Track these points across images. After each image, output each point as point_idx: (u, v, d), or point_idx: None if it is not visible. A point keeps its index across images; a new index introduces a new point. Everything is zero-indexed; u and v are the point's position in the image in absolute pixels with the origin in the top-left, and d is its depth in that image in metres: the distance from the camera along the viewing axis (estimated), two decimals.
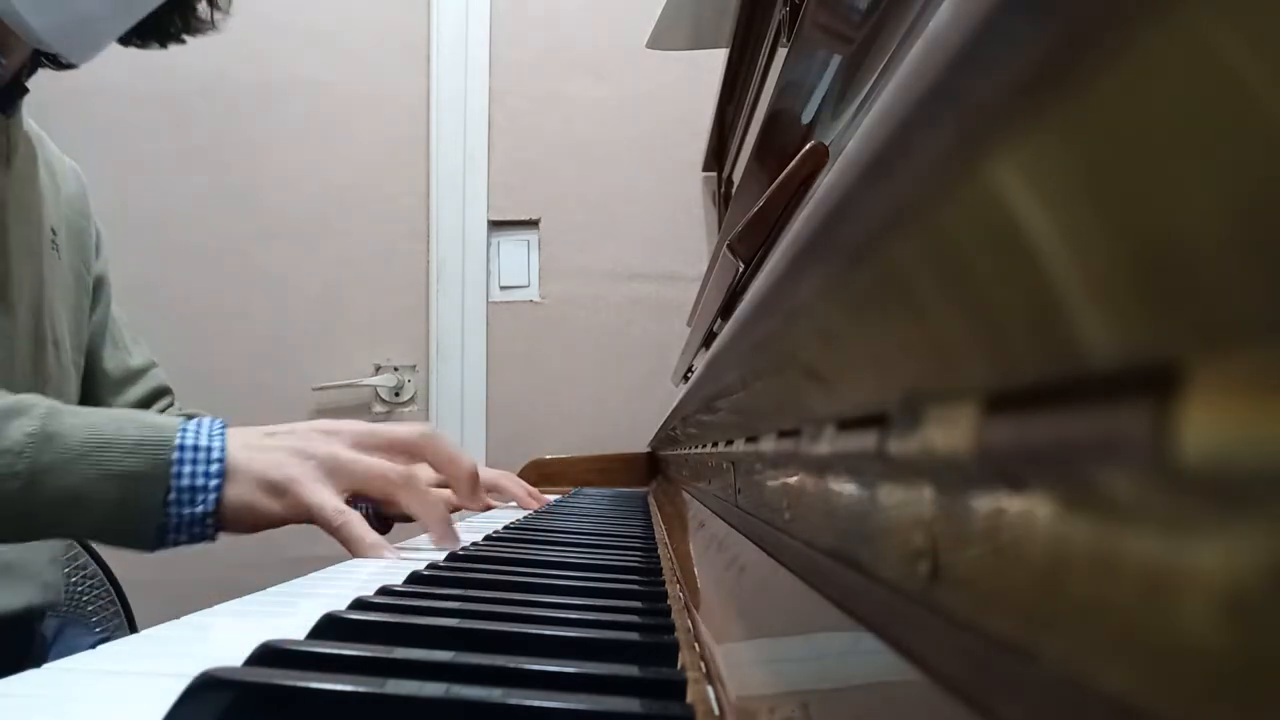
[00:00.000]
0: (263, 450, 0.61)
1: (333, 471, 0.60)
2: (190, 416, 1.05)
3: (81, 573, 1.13)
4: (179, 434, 0.60)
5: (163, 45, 0.86)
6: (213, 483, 0.59)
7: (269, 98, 1.91)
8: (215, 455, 0.60)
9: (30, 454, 0.57)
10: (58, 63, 0.82)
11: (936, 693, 0.14)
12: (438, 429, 0.72)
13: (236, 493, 0.60)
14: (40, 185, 0.86)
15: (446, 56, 1.90)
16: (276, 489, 0.60)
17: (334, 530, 0.59)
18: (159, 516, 0.59)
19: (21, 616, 0.83)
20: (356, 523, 0.59)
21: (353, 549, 0.59)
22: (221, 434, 0.61)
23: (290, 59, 1.89)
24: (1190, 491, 0.09)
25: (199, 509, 0.59)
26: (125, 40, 0.82)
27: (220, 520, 0.60)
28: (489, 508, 0.77)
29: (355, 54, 1.92)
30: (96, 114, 1.83)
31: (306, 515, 0.60)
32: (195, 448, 0.59)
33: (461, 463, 0.68)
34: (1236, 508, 0.08)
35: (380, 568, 0.55)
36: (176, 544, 0.61)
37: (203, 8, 0.87)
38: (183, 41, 0.87)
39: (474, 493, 0.70)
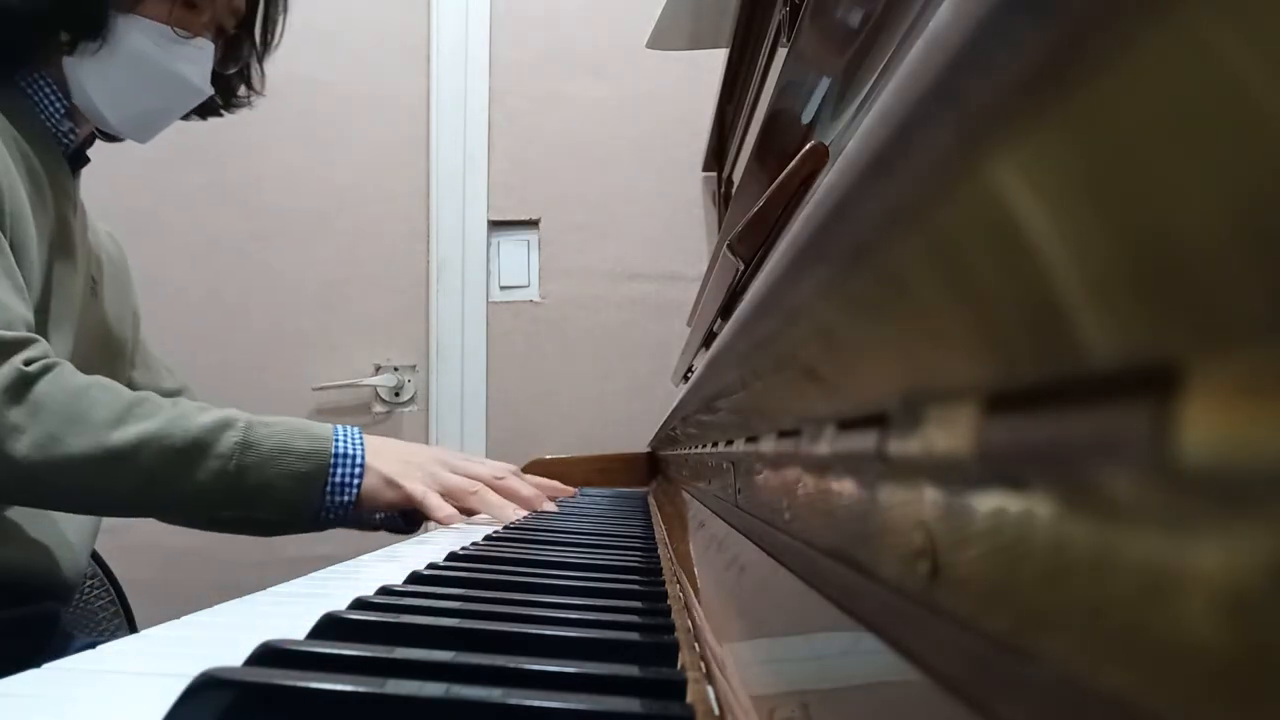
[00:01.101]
0: (387, 457, 0.88)
1: (428, 476, 0.89)
2: None
3: (85, 573, 1.13)
4: (334, 443, 0.86)
5: (204, 119, 1.07)
6: (355, 480, 0.86)
7: (269, 97, 1.90)
8: (358, 461, 0.86)
9: (237, 458, 0.81)
10: (118, 139, 1.02)
11: (936, 693, 0.14)
12: (515, 471, 0.99)
13: (369, 484, 0.86)
14: (88, 240, 1.02)
15: (446, 56, 1.90)
16: (393, 484, 0.87)
17: (423, 506, 0.87)
18: (319, 502, 0.85)
19: (50, 589, 0.92)
20: (438, 504, 0.87)
21: (430, 514, 0.88)
22: (361, 443, 0.88)
23: (290, 59, 1.88)
24: (1190, 491, 0.09)
25: (345, 498, 0.86)
26: (199, 113, 1.04)
27: (358, 504, 0.86)
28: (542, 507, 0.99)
29: (355, 54, 1.91)
30: None
31: (409, 501, 0.87)
32: (345, 455, 0.86)
33: (521, 494, 0.95)
34: (1236, 508, 0.08)
35: (382, 568, 0.55)
36: (328, 519, 0.87)
37: (242, 91, 1.08)
38: (221, 116, 1.09)
39: (532, 504, 0.96)
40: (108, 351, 1.04)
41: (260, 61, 1.07)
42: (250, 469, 0.82)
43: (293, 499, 0.84)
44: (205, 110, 1.05)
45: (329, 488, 0.85)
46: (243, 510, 0.85)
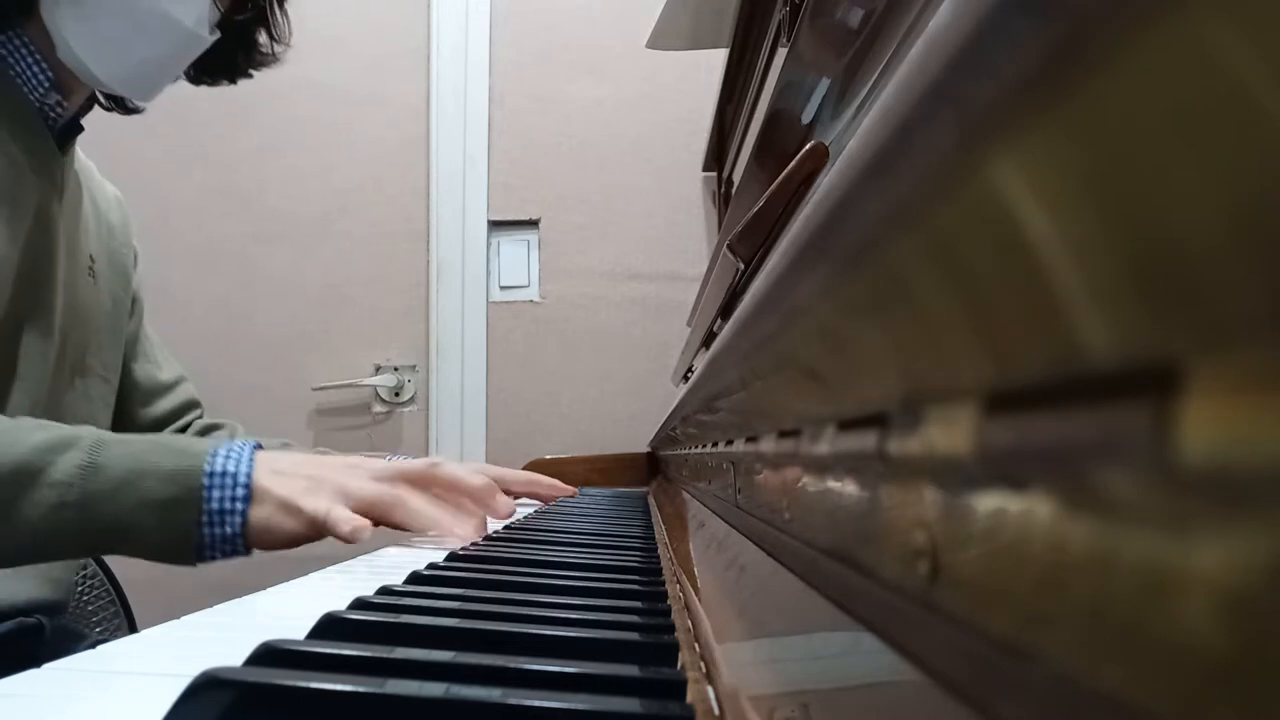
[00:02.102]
0: (285, 476, 0.67)
1: (338, 494, 0.67)
2: (217, 427, 1.08)
3: (81, 573, 1.13)
4: (209, 461, 0.65)
5: (232, 81, 0.94)
6: (239, 505, 0.65)
7: (269, 98, 1.90)
8: (241, 480, 0.65)
9: (79, 485, 0.63)
10: (123, 106, 0.91)
11: (936, 693, 0.14)
12: (445, 460, 0.76)
13: (261, 514, 0.65)
14: (83, 216, 0.91)
15: (446, 56, 1.90)
16: (291, 509, 0.66)
17: (326, 525, 0.65)
18: (194, 537, 0.65)
19: (30, 611, 0.85)
20: (342, 514, 0.65)
21: (333, 530, 0.66)
22: (251, 460, 0.67)
23: (291, 59, 1.89)
24: (1190, 491, 0.09)
25: (228, 529, 0.65)
26: (196, 80, 0.92)
27: (249, 538, 0.66)
28: (512, 513, 0.79)
29: (355, 54, 1.92)
30: (98, 115, 1.83)
31: (319, 528, 0.66)
32: (223, 474, 0.65)
33: (466, 482, 0.74)
34: (1236, 508, 0.08)
35: (380, 564, 0.55)
36: (214, 559, 0.66)
37: (263, 41, 0.94)
38: (250, 76, 0.95)
39: (489, 502, 0.75)
40: (114, 337, 0.96)
41: (281, 5, 0.93)
42: (99, 498, 0.63)
43: (158, 535, 0.64)
44: (228, 69, 0.93)
45: (205, 518, 0.64)
46: (96, 552, 0.68)
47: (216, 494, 0.65)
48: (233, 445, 0.67)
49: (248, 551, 0.67)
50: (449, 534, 0.70)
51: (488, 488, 0.75)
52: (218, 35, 0.85)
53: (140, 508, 0.63)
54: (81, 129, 0.89)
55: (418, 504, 0.69)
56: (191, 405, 1.10)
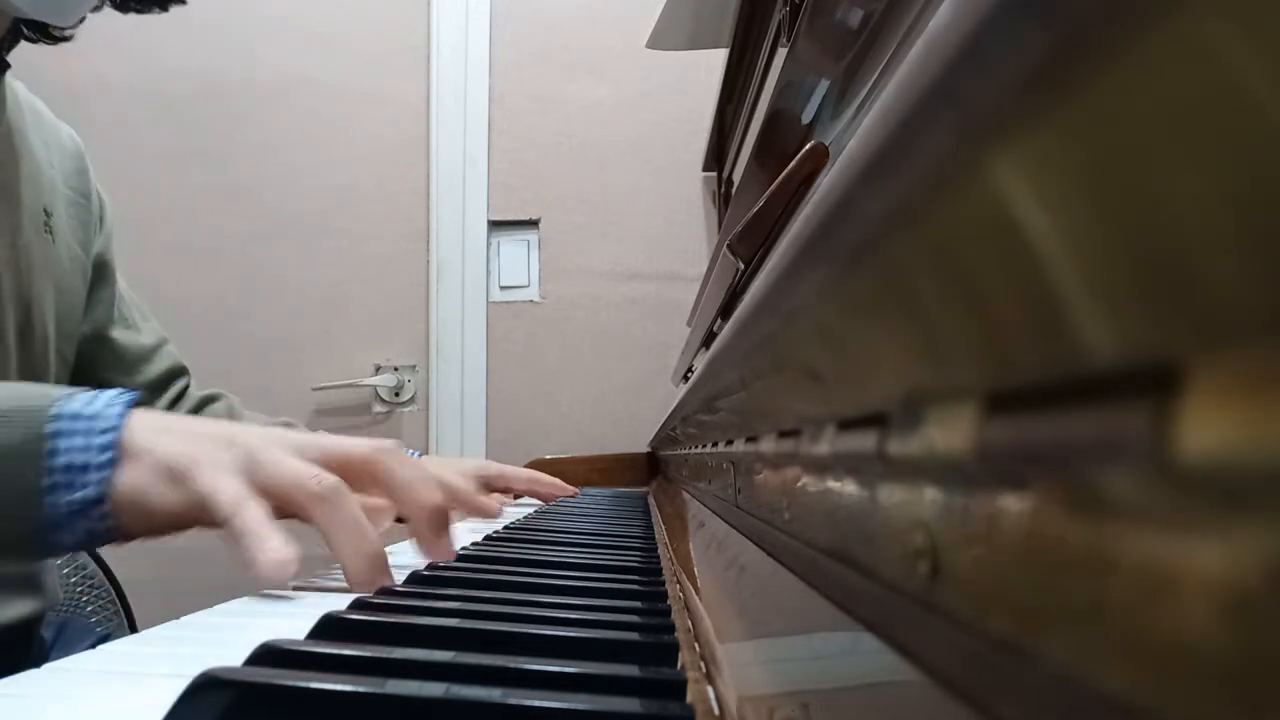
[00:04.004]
0: (175, 434, 0.48)
1: (246, 466, 0.47)
2: (213, 399, 1.02)
3: (81, 573, 1.13)
4: (61, 402, 0.47)
5: (163, 8, 0.80)
6: (99, 457, 0.46)
7: (269, 97, 1.91)
8: (104, 425, 0.46)
9: None
10: (47, 34, 0.78)
11: (936, 693, 0.14)
12: (400, 447, 0.53)
13: (131, 477, 0.46)
14: (33, 163, 0.80)
15: (446, 56, 1.90)
16: (174, 475, 0.46)
17: (224, 521, 0.45)
18: (34, 503, 0.45)
19: (21, 626, 0.80)
20: (254, 518, 0.44)
21: (243, 552, 0.43)
22: (124, 405, 0.48)
23: (291, 59, 1.89)
24: (1190, 491, 0.09)
25: (82, 493, 0.45)
26: (122, 6, 0.79)
27: (114, 511, 0.46)
28: (500, 513, 0.66)
29: (355, 54, 1.92)
30: (97, 114, 1.83)
31: (203, 507, 0.45)
32: (78, 416, 0.46)
33: (418, 495, 0.52)
34: (1236, 508, 0.08)
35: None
36: (63, 548, 0.47)
37: None
38: (165, 9, 0.81)
39: (436, 535, 0.53)
40: (72, 299, 0.86)
41: None
42: None
43: None
44: None
45: (45, 473, 0.45)
46: None
47: (65, 443, 0.46)
48: (98, 392, 0.49)
49: (115, 533, 0.47)
50: (353, 583, 0.47)
51: (436, 510, 0.53)
52: None
53: None
54: (8, 65, 0.77)
55: (349, 511, 0.47)
56: (179, 371, 1.01)
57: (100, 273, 0.93)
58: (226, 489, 0.45)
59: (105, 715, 0.27)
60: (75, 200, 0.89)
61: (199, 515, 0.46)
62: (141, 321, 0.97)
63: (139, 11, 0.81)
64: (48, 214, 0.81)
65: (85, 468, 0.45)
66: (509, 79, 1.90)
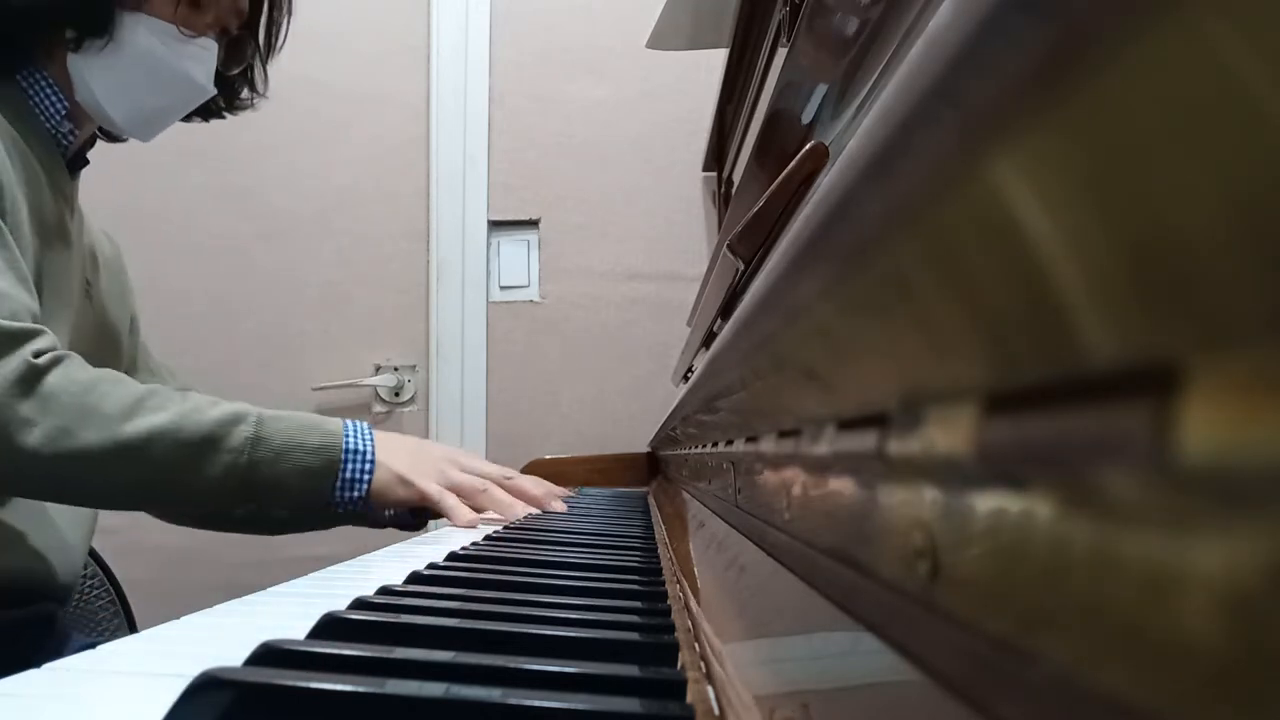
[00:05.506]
0: (398, 454, 0.90)
1: (439, 475, 0.90)
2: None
3: (82, 573, 1.13)
4: (344, 439, 0.88)
5: (206, 120, 1.08)
6: (366, 477, 0.88)
7: (269, 97, 1.90)
8: (368, 457, 0.88)
9: (248, 453, 0.83)
10: (118, 139, 1.03)
11: (936, 693, 0.14)
12: (517, 474, 0.99)
13: (380, 480, 0.88)
14: (84, 243, 1.02)
15: (446, 56, 1.90)
16: (405, 481, 0.89)
17: (438, 505, 0.88)
18: (329, 496, 0.87)
19: (47, 594, 0.92)
20: (451, 504, 0.88)
21: (450, 517, 0.88)
22: (370, 439, 0.89)
23: (290, 59, 1.89)
24: (1190, 491, 0.09)
25: (355, 494, 0.87)
26: (184, 119, 1.04)
27: (368, 500, 0.88)
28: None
29: (355, 54, 1.91)
30: None
31: (424, 499, 0.89)
32: (356, 451, 0.88)
33: (530, 492, 0.96)
34: (1236, 507, 0.08)
35: (390, 565, 0.55)
36: (337, 517, 0.92)
37: (245, 93, 1.09)
38: (223, 117, 1.10)
39: (545, 505, 0.97)
40: (102, 354, 1.03)
41: (264, 63, 1.08)
42: (261, 463, 0.83)
43: (303, 494, 0.85)
44: (207, 111, 1.06)
45: (339, 483, 0.86)
46: (252, 505, 0.86)
47: (350, 467, 0.87)
48: (357, 426, 0.89)
49: (367, 507, 0.89)
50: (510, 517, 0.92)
51: (547, 497, 0.97)
52: (216, 90, 1.00)
53: (292, 473, 0.84)
54: (87, 161, 1.00)
55: (500, 496, 0.91)
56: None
57: (129, 329, 1.15)
58: (432, 488, 0.89)
59: (105, 715, 0.27)
60: (116, 274, 1.11)
61: (419, 501, 0.89)
62: (167, 374, 1.16)
63: (186, 122, 1.05)
64: (89, 284, 1.03)
65: (358, 481, 0.88)
66: (509, 79, 1.90)
